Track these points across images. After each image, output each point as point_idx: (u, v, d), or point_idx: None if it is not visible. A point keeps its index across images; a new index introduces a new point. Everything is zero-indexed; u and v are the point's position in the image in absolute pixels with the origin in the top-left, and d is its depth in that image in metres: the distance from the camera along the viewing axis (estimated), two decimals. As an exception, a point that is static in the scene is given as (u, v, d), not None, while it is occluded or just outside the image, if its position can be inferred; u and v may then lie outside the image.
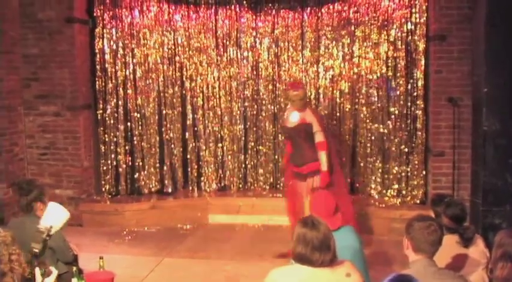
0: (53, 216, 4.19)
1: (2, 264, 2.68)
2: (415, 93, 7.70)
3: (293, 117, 6.57)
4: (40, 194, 4.91)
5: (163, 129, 8.60)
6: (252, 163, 8.76)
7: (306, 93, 6.91)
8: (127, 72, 8.40)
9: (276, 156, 8.70)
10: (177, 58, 8.57)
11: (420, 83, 7.61)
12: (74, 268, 4.34)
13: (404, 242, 3.54)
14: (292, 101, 6.56)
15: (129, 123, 8.48)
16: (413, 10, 7.59)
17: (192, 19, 8.52)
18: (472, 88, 6.95)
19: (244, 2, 8.52)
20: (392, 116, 7.89)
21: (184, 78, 8.61)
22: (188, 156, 8.71)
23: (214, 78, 8.62)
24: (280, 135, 8.60)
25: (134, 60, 8.40)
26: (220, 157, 8.75)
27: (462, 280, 3.47)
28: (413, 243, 3.44)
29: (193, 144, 8.70)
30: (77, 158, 8.15)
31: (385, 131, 7.96)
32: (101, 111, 8.36)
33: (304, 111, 6.53)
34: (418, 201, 7.69)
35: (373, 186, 8.06)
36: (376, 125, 8.00)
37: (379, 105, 7.99)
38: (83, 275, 4.38)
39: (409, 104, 7.78)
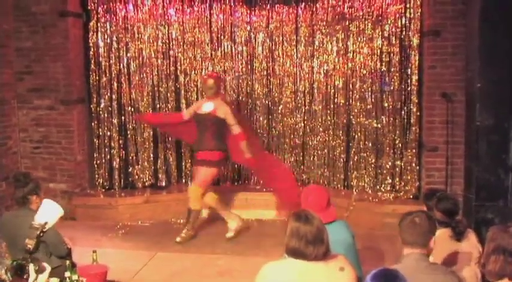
0: (48, 212, 4.20)
1: None
2: (409, 89, 7.71)
3: (206, 107, 7.17)
4: (36, 187, 4.93)
5: (157, 123, 8.59)
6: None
7: (217, 83, 7.24)
8: (121, 66, 8.39)
9: (271, 151, 8.70)
10: (171, 52, 8.55)
11: (414, 78, 7.62)
12: (67, 262, 4.35)
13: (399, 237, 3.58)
14: (206, 89, 7.25)
15: (123, 117, 8.47)
16: (408, 5, 7.60)
17: (187, 13, 8.49)
18: (465, 83, 6.96)
19: (239, -4, 8.52)
20: (386, 111, 7.91)
21: (178, 73, 8.59)
22: (182, 151, 8.70)
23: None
24: (273, 129, 8.66)
25: (128, 54, 8.39)
26: (214, 151, 8.73)
27: (453, 275, 3.50)
28: (402, 236, 3.49)
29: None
30: (71, 151, 8.14)
31: (379, 125, 7.97)
32: (94, 105, 8.35)
33: (217, 103, 7.13)
34: (411, 196, 7.71)
35: (366, 180, 8.08)
36: (369, 120, 8.01)
37: (373, 100, 8.00)
38: (76, 269, 4.39)
39: (403, 99, 7.80)
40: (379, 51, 7.89)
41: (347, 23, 8.09)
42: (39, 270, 2.92)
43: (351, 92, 8.18)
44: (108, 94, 8.37)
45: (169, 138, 8.63)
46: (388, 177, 7.97)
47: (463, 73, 7.05)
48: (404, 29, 7.69)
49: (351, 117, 8.21)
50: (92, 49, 8.25)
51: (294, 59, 8.50)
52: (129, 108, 8.46)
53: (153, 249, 6.87)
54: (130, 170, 8.56)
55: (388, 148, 7.93)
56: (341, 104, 8.23)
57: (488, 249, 3.24)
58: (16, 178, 5.06)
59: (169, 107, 8.58)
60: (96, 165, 8.46)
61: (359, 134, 8.11)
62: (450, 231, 4.35)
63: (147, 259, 6.53)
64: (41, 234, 4.13)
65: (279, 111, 8.65)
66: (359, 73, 8.06)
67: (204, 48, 8.56)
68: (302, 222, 3.29)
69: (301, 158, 8.66)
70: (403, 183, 7.86)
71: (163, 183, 8.65)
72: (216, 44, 8.60)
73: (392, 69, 7.83)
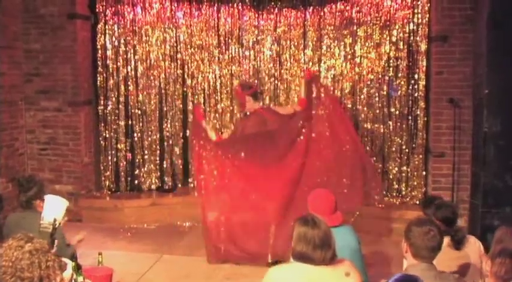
0: (54, 208, 4.20)
1: (41, 270, 2.77)
2: (416, 94, 7.70)
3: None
4: (39, 191, 4.93)
5: (163, 126, 8.61)
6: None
7: (238, 97, 7.09)
8: (128, 69, 8.41)
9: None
10: (178, 55, 8.57)
11: (421, 83, 7.61)
12: (73, 263, 4.35)
13: (403, 246, 3.53)
14: None
15: (129, 120, 8.48)
16: (416, 11, 7.59)
17: (194, 16, 8.52)
18: (473, 89, 6.95)
19: (247, 0, 8.52)
20: (393, 117, 7.89)
21: (185, 76, 8.61)
22: (188, 153, 8.70)
23: (215, 76, 8.62)
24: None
25: (136, 57, 8.41)
26: (220, 155, 8.74)
27: (463, 282, 3.48)
28: (413, 249, 3.43)
29: (194, 141, 8.67)
30: (77, 153, 8.16)
31: (386, 131, 7.96)
32: (101, 107, 8.37)
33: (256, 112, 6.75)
34: (417, 202, 7.68)
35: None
36: (376, 125, 7.99)
37: (380, 105, 7.99)
38: (81, 271, 4.40)
39: (410, 104, 7.79)
40: (386, 56, 7.88)
41: (355, 28, 8.09)
42: (62, 268, 2.95)
43: (358, 97, 8.17)
44: (116, 96, 8.39)
45: (176, 141, 8.65)
46: (394, 183, 7.96)
47: (470, 79, 7.05)
48: (412, 34, 7.68)
49: (358, 122, 8.19)
50: (100, 51, 8.28)
51: (301, 63, 8.50)
52: (136, 110, 8.48)
53: (159, 251, 6.87)
54: (136, 172, 8.57)
55: (394, 153, 7.91)
56: (348, 108, 8.22)
57: (495, 250, 3.23)
58: (19, 183, 5.08)
59: (176, 109, 8.61)
60: (102, 168, 8.48)
61: (366, 139, 8.09)
62: (449, 239, 4.29)
63: (153, 262, 6.53)
64: (54, 232, 4.15)
65: (286, 115, 8.63)
66: (366, 78, 8.06)
67: (212, 51, 8.58)
68: (310, 227, 3.28)
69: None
70: (409, 189, 7.83)
71: (170, 186, 8.65)
72: (224, 47, 8.61)
73: (399, 75, 7.82)
